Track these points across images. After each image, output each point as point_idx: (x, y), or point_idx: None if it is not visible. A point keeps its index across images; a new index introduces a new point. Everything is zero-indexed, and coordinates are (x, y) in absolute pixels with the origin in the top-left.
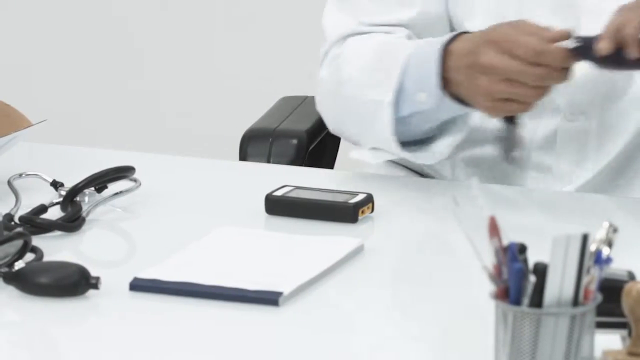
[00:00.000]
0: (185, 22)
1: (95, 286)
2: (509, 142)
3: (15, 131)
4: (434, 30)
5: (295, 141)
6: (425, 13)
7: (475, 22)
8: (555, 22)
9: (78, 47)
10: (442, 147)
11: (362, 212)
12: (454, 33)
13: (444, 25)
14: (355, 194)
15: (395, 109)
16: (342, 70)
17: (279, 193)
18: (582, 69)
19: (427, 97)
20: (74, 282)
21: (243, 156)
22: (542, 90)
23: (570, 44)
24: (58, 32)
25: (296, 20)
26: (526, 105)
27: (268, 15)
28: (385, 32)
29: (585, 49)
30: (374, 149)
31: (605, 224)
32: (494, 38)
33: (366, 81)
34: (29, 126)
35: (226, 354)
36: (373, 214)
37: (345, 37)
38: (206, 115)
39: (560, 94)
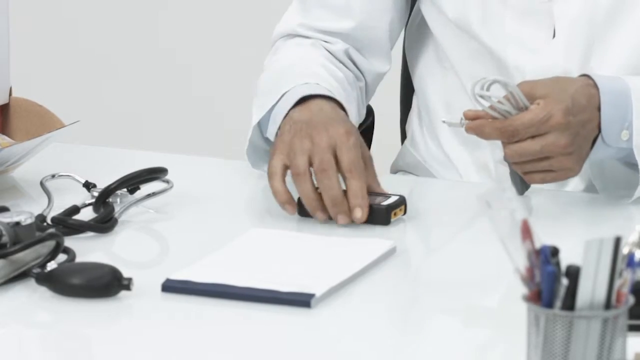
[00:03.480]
0: (213, 26)
1: (127, 287)
2: (514, 178)
3: (48, 132)
4: (373, 43)
5: None
6: (364, 27)
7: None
8: (527, 28)
9: (111, 48)
10: None
11: (395, 214)
12: (317, 90)
13: (384, 39)
14: (388, 196)
15: (264, 129)
16: (264, 71)
17: None
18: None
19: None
20: (106, 283)
21: None
22: None
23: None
24: (91, 33)
25: None
26: None
27: None
28: (324, 41)
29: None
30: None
31: (638, 227)
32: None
33: (260, 93)
34: (61, 127)
35: (258, 355)
36: (405, 216)
37: (292, 35)
38: (238, 116)
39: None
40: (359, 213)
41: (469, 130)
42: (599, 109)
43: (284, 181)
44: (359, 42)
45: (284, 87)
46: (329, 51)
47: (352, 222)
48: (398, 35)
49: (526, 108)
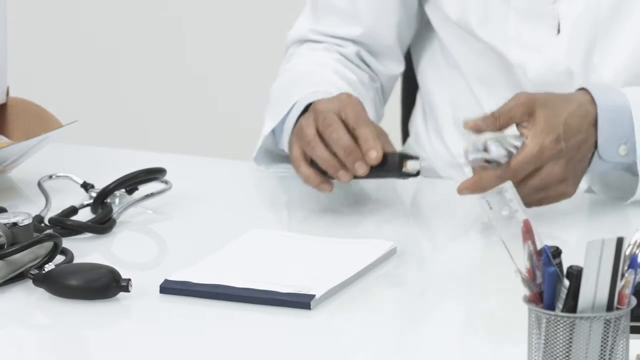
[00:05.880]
0: (212, 25)
1: (126, 288)
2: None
3: (46, 132)
4: (383, 47)
5: None
6: (372, 32)
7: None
8: (529, 27)
9: (109, 48)
10: None
11: (407, 165)
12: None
13: (394, 43)
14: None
15: (279, 139)
16: (278, 78)
17: None
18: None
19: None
20: (105, 284)
21: None
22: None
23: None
24: (89, 32)
25: None
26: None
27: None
28: (337, 45)
29: None
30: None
31: None
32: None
33: (273, 101)
34: (59, 127)
35: (257, 357)
36: (406, 216)
37: (303, 41)
38: (238, 116)
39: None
40: (374, 153)
41: (462, 192)
42: (595, 124)
43: (309, 165)
44: (369, 47)
45: (293, 97)
46: (342, 54)
47: (365, 173)
48: (409, 37)
49: (515, 148)
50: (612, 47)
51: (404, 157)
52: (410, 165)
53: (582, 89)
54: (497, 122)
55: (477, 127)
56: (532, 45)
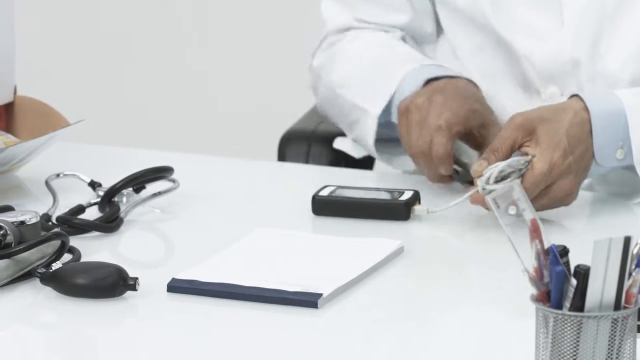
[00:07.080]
0: (220, 25)
1: (133, 287)
2: None
3: (53, 131)
4: (424, 29)
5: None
6: (416, 18)
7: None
8: (536, 15)
9: (117, 46)
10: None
11: (413, 210)
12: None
13: (432, 22)
14: (401, 191)
15: (386, 115)
16: (337, 66)
17: (324, 193)
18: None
19: None
20: (112, 283)
21: (281, 158)
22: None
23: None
24: (96, 31)
25: None
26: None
27: (308, 19)
28: (384, 31)
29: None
30: (355, 143)
31: None
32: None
33: (359, 89)
34: (67, 126)
35: (265, 356)
36: (413, 215)
37: (346, 29)
38: (245, 116)
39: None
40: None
41: (474, 203)
42: (591, 132)
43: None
44: (412, 32)
45: (397, 74)
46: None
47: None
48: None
49: (525, 164)
50: (619, 36)
51: (409, 203)
52: (417, 211)
53: (575, 95)
54: (499, 154)
55: (482, 172)
56: (538, 34)
